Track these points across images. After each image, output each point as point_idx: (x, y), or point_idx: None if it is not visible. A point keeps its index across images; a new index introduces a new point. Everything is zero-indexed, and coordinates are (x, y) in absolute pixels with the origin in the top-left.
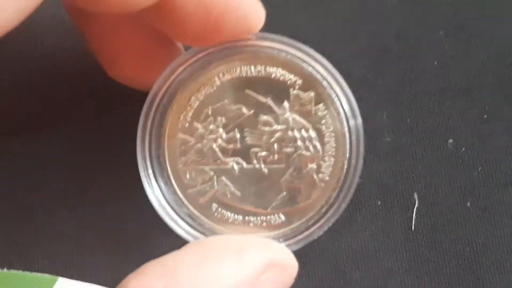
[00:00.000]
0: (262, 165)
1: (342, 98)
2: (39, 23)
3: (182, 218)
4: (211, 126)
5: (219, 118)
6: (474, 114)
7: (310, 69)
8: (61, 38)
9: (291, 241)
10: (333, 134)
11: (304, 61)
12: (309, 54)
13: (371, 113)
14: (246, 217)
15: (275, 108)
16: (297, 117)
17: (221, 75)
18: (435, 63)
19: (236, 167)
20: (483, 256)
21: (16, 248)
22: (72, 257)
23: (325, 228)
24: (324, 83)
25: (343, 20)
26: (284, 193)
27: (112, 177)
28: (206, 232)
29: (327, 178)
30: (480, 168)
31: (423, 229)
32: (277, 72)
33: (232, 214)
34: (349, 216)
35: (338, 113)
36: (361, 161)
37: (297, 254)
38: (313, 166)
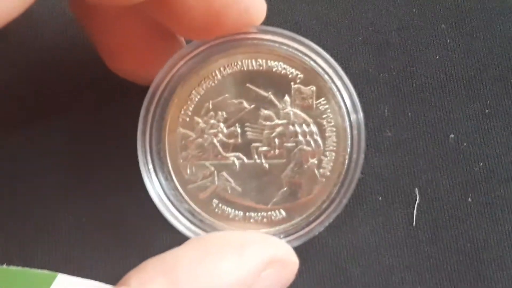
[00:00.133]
0: (263, 160)
1: (344, 92)
2: (39, 14)
3: (182, 214)
4: (212, 121)
5: (220, 113)
6: (475, 108)
7: (311, 63)
8: (61, 29)
9: (291, 237)
10: (334, 129)
11: (306, 55)
12: (310, 48)
13: (372, 108)
14: (247, 213)
15: (276, 102)
16: (298, 112)
17: (222, 68)
18: (437, 57)
19: (237, 162)
20: (484, 252)
21: (16, 242)
22: (71, 252)
23: (326, 223)
24: (326, 77)
25: (345, 14)
26: (285, 188)
27: (112, 169)
28: (207, 228)
29: (328, 173)
30: (481, 163)
31: (424, 225)
32: (279, 66)
33: (233, 210)
34: (350, 211)
35: (339, 108)
36: (362, 156)
37: (298, 250)
38: (314, 161)
